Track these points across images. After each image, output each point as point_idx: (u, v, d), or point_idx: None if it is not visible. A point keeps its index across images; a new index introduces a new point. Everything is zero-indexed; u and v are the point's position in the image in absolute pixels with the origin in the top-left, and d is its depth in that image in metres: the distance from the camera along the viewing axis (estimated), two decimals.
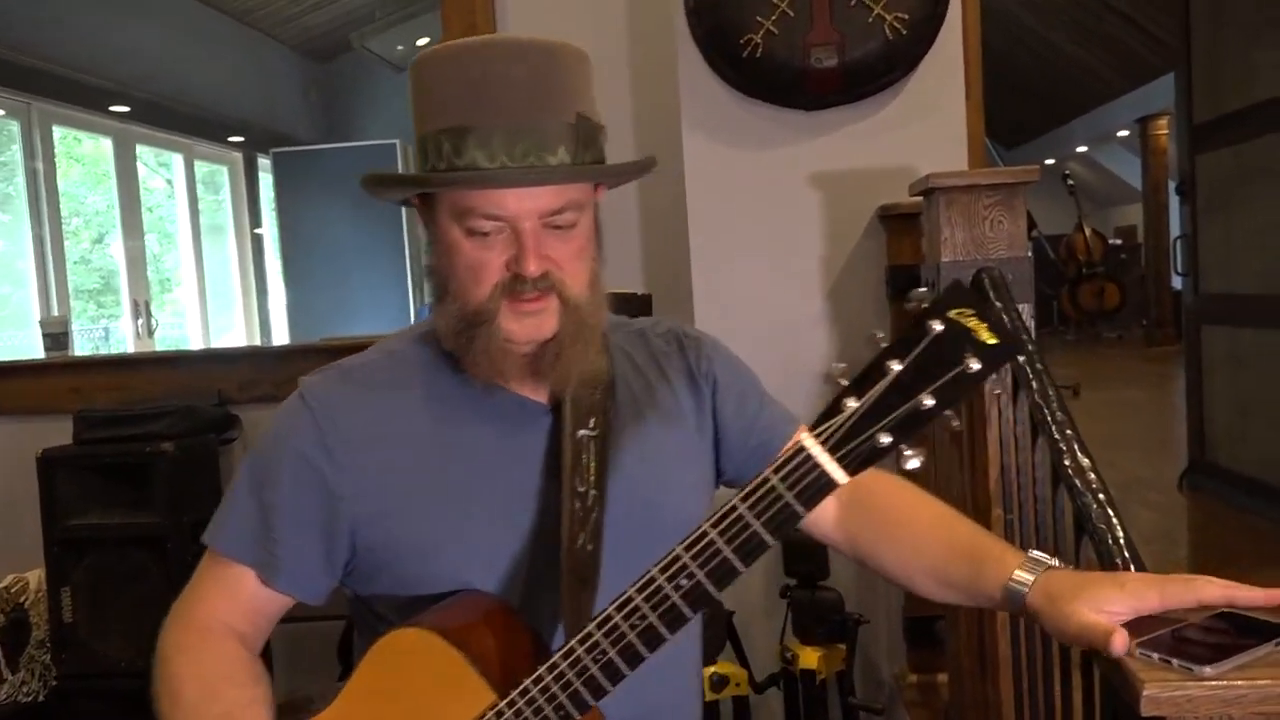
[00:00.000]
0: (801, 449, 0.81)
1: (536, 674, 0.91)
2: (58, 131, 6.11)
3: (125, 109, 6.29)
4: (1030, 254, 1.73)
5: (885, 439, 0.79)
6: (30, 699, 2.60)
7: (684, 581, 0.85)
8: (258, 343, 7.88)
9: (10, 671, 2.62)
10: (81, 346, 6.31)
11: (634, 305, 2.29)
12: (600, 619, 0.88)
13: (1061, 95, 11.67)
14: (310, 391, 1.06)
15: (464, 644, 0.91)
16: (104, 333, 6.86)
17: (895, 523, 1.07)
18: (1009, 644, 1.64)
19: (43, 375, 2.99)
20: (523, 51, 1.00)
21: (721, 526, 0.84)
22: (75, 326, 6.16)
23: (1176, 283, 11.23)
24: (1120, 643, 0.82)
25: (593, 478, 0.99)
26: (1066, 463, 1.22)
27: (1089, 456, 1.23)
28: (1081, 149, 13.44)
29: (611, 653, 0.88)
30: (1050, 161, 13.25)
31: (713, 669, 2.10)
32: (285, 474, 1.04)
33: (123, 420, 2.63)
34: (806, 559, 2.19)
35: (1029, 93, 11.82)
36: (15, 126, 5.81)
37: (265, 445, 1.07)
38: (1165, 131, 10.65)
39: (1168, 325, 10.86)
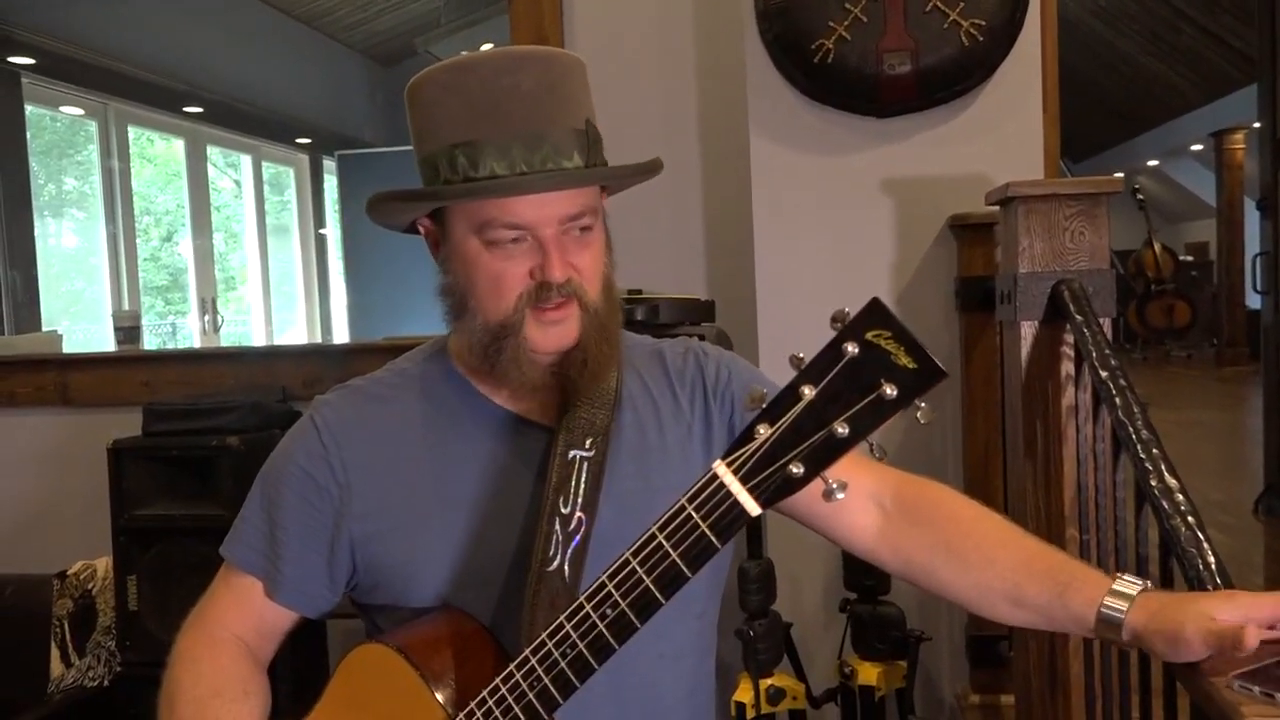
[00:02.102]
0: (714, 477, 0.78)
1: (480, 696, 0.91)
2: (133, 132, 6.28)
3: (198, 110, 6.45)
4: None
5: (798, 469, 0.75)
6: (95, 684, 2.65)
7: (609, 611, 0.84)
8: (319, 341, 8.00)
9: (77, 656, 2.67)
10: (150, 342, 6.46)
11: (698, 310, 2.27)
12: (535, 645, 0.88)
13: (1133, 107, 11.42)
14: (320, 411, 1.08)
15: (423, 662, 0.92)
16: (171, 328, 7.02)
17: (956, 538, 1.02)
18: (1082, 666, 1.58)
19: (114, 368, 3.05)
20: (526, 62, 1.00)
21: (641, 555, 0.82)
22: (146, 322, 6.31)
23: (1251, 301, 10.92)
24: (1253, 636, 0.77)
25: (581, 500, 0.97)
26: (1153, 483, 1.17)
27: (1176, 477, 1.18)
28: (1152, 162, 13.13)
29: (546, 679, 0.87)
30: (1120, 175, 12.93)
31: (770, 681, 2.07)
32: (291, 491, 1.05)
33: (190, 414, 2.67)
34: (867, 572, 2.15)
35: (1099, 104, 11.58)
36: (93, 126, 5.98)
37: (275, 462, 1.08)
38: (1241, 146, 10.35)
39: (1240, 344, 10.55)
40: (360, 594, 1.08)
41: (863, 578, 2.16)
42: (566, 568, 0.95)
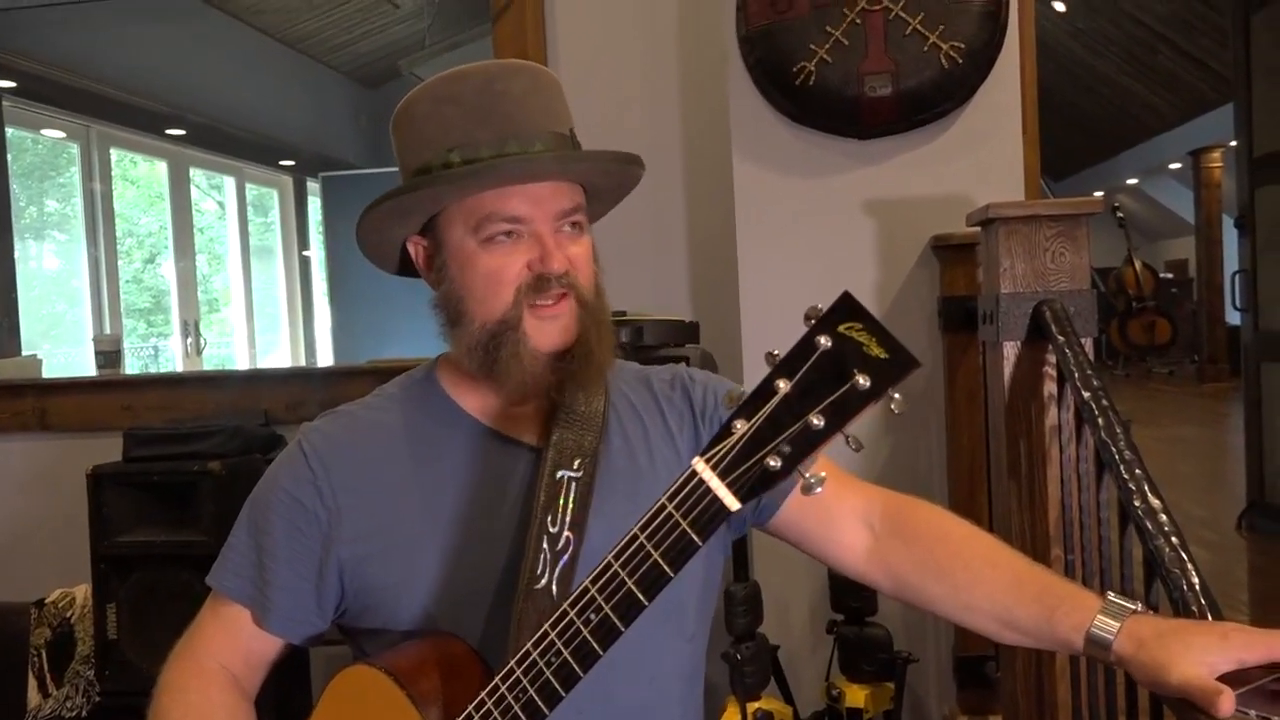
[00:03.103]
0: (694, 473, 0.78)
1: (465, 712, 0.90)
2: (115, 154, 6.26)
3: (181, 132, 6.43)
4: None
5: (774, 463, 0.75)
6: (74, 715, 2.61)
7: (593, 615, 0.83)
8: (302, 363, 7.97)
9: (55, 686, 2.63)
10: (132, 364, 6.42)
11: (682, 332, 2.27)
12: (520, 655, 0.87)
13: (1112, 127, 11.55)
14: (308, 437, 1.07)
15: (410, 683, 0.91)
16: (154, 351, 6.98)
17: (946, 557, 1.01)
18: (1069, 687, 1.58)
19: (94, 392, 3.02)
20: (514, 70, 1.03)
21: (624, 557, 0.82)
22: (126, 345, 6.27)
23: (1230, 318, 11.02)
24: (1228, 705, 0.77)
25: (569, 519, 0.97)
26: (1137, 503, 1.17)
27: (1160, 497, 1.18)
28: (1132, 181, 13.27)
29: (531, 690, 0.86)
30: (1099, 194, 13.09)
31: (757, 705, 2.06)
32: (279, 518, 1.04)
33: (171, 439, 2.64)
34: (854, 594, 2.15)
35: (1078, 124, 11.70)
36: (75, 149, 5.96)
37: (263, 489, 1.08)
38: (1219, 164, 10.48)
39: (1221, 361, 10.64)
40: (349, 619, 1.07)
41: (850, 599, 2.16)
42: (554, 586, 0.94)
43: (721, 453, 0.76)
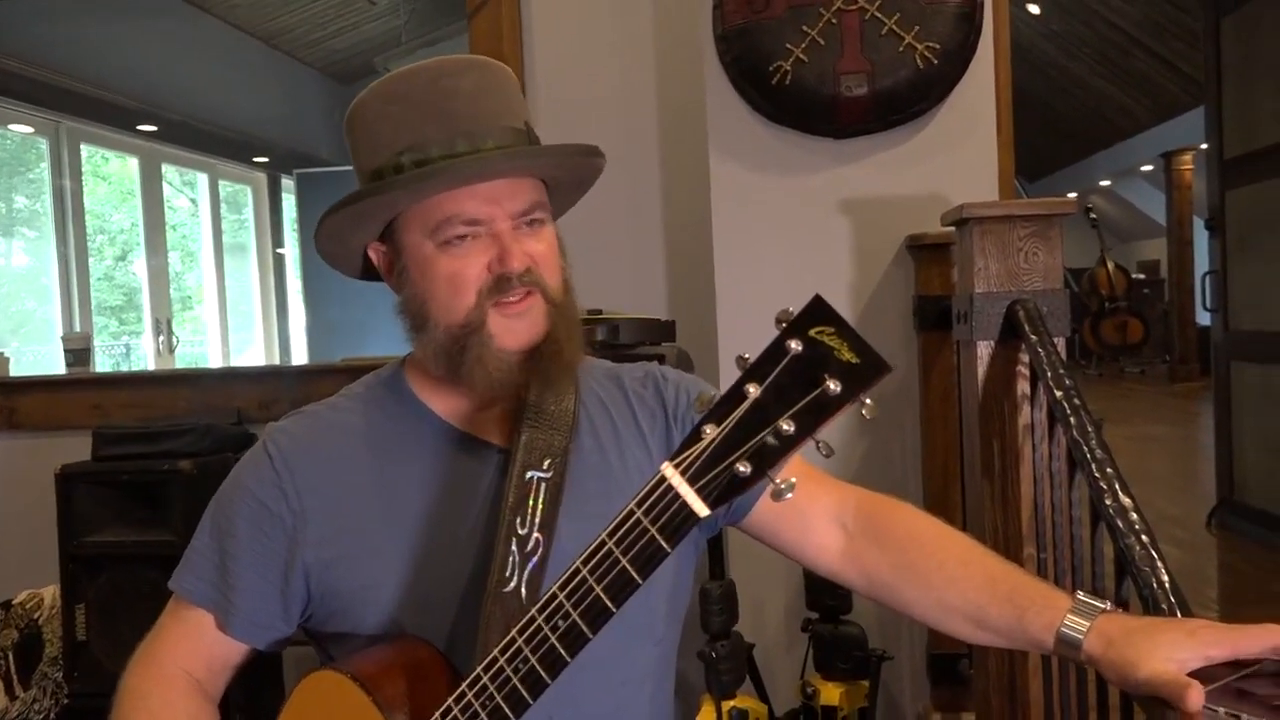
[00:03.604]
0: (663, 479, 0.77)
1: (432, 718, 0.88)
2: (85, 150, 6.18)
3: (152, 128, 6.36)
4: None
5: (744, 468, 0.74)
6: (42, 717, 2.58)
7: (560, 622, 0.82)
8: (277, 361, 7.90)
9: (22, 689, 2.59)
10: (103, 363, 6.35)
11: (658, 330, 2.27)
12: (488, 661, 0.86)
13: (1085, 128, 11.66)
14: (273, 438, 1.05)
15: (376, 688, 0.90)
16: (125, 349, 6.90)
17: (919, 557, 1.01)
18: (1041, 685, 1.59)
19: (63, 391, 2.99)
20: (463, 66, 1.01)
21: (591, 564, 0.80)
22: (97, 343, 6.19)
23: (1201, 318, 11.14)
24: (1196, 698, 0.77)
25: (538, 521, 0.95)
26: (1108, 502, 1.18)
27: (1130, 496, 1.19)
28: (1104, 182, 13.40)
29: (499, 698, 0.85)
30: (1073, 195, 13.21)
31: (732, 703, 2.06)
32: (243, 520, 1.02)
33: (141, 437, 2.61)
34: (829, 592, 2.15)
35: (1051, 125, 11.81)
36: (44, 144, 5.88)
37: (227, 491, 1.05)
38: (1190, 166, 10.60)
39: (1192, 361, 10.76)
40: (315, 623, 1.05)
41: (824, 597, 2.16)
42: (523, 589, 0.93)
43: (691, 458, 0.75)
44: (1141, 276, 13.41)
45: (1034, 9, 8.39)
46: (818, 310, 0.73)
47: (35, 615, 2.65)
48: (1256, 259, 4.33)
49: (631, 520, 0.78)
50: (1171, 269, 11.22)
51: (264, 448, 1.04)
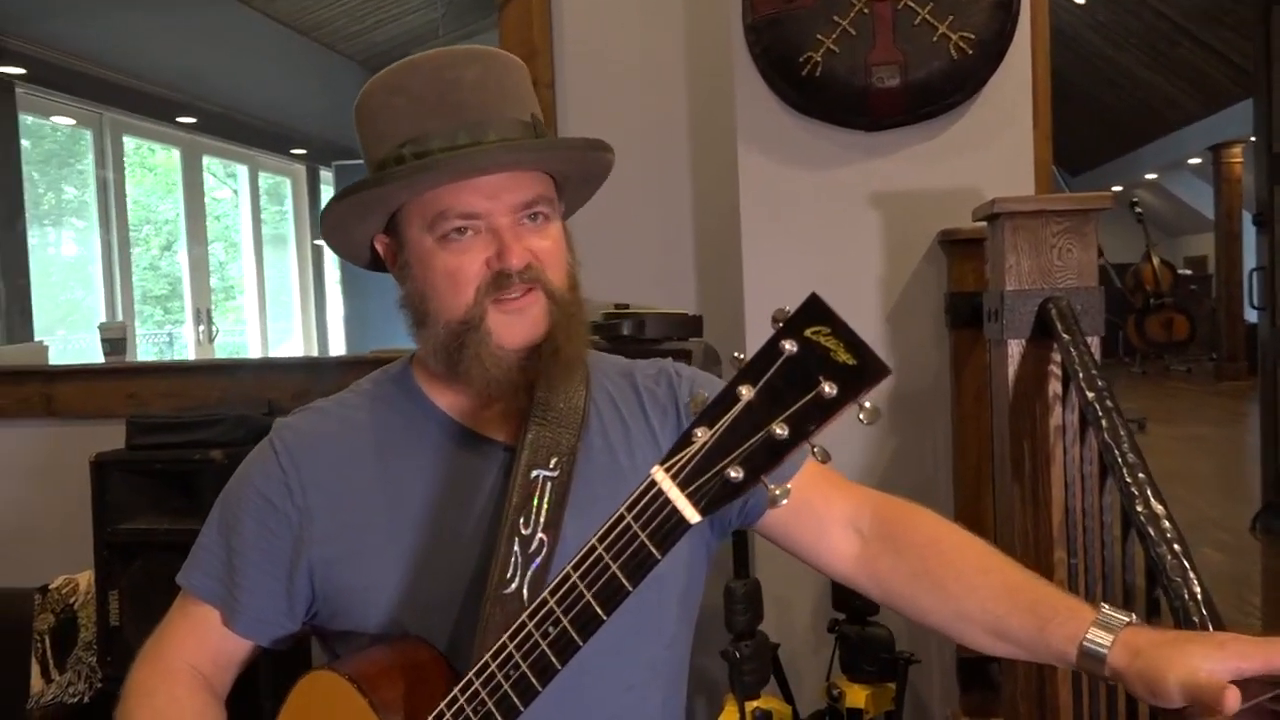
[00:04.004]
0: (653, 483, 0.74)
1: None
2: (130, 142, 6.27)
3: (192, 120, 6.44)
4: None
5: (735, 474, 0.71)
6: (76, 700, 2.62)
7: (551, 629, 0.80)
8: (315, 352, 7.98)
9: (58, 672, 2.64)
10: (146, 351, 6.45)
11: (685, 325, 2.24)
12: (479, 667, 0.84)
13: (1131, 121, 11.42)
14: (279, 433, 1.04)
15: (372, 690, 0.89)
16: (169, 338, 7.01)
17: (936, 564, 0.98)
18: (1070, 693, 1.55)
19: (100, 379, 3.02)
20: (468, 57, 0.98)
21: (582, 569, 0.78)
22: (142, 331, 6.29)
23: (1250, 315, 10.88)
24: (1233, 699, 0.74)
25: (543, 521, 0.93)
26: (1139, 509, 1.14)
27: (1163, 502, 1.15)
28: (1151, 176, 13.13)
29: (490, 704, 0.83)
30: (1118, 188, 12.97)
31: (756, 704, 2.04)
32: (249, 517, 1.01)
33: (174, 427, 2.64)
34: (856, 593, 2.11)
35: (1096, 117, 11.58)
36: (88, 136, 5.97)
37: (233, 486, 1.05)
38: (1239, 159, 10.35)
39: (1239, 359, 10.52)
40: (320, 621, 1.04)
41: (852, 598, 2.13)
42: (525, 591, 0.91)
43: (681, 462, 0.73)
44: (1188, 272, 13.14)
45: None
46: (813, 309, 0.70)
47: (71, 600, 2.69)
48: None
49: (622, 525, 0.76)
50: (1219, 264, 10.98)
51: (270, 444, 1.04)
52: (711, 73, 2.61)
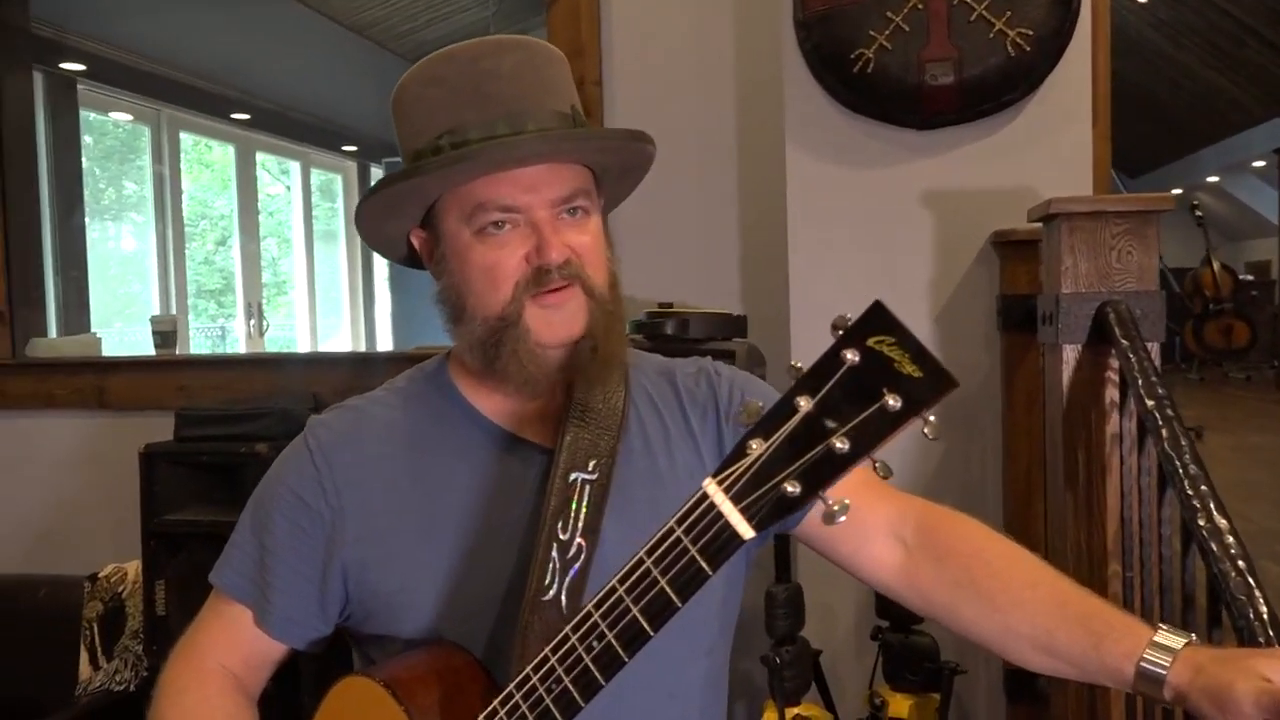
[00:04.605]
0: (705, 496, 0.72)
1: None
2: (188, 138, 6.38)
3: (246, 116, 6.53)
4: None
5: (792, 489, 0.68)
6: (123, 688, 2.66)
7: (595, 644, 0.77)
8: (362, 348, 8.07)
9: (105, 659, 2.68)
10: (199, 344, 6.56)
11: (729, 325, 2.22)
12: (520, 679, 0.82)
13: (1192, 121, 11.14)
14: (314, 431, 1.03)
15: (408, 697, 0.87)
16: (221, 331, 7.12)
17: (982, 576, 0.94)
18: (1123, 712, 1.50)
19: (151, 372, 3.07)
20: (505, 46, 0.97)
21: (629, 583, 0.76)
22: (196, 325, 6.40)
23: None
24: None
25: (581, 525, 0.91)
26: (1201, 523, 1.09)
27: (1226, 516, 1.10)
28: (1212, 179, 12.80)
29: (530, 717, 0.81)
30: (1178, 191, 12.65)
31: (796, 710, 2.00)
32: (282, 516, 1.00)
33: (221, 420, 2.67)
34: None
35: (1156, 118, 11.31)
36: (146, 132, 6.09)
37: (266, 485, 1.03)
38: None
39: None
40: (353, 624, 1.03)
41: (895, 605, 2.07)
42: (564, 598, 0.89)
43: (735, 475, 0.70)
44: (1250, 278, 12.77)
45: None
46: (877, 317, 0.67)
47: (120, 589, 2.73)
48: None
49: (671, 539, 0.74)
50: None
51: (304, 442, 1.02)
52: (759, 69, 2.58)
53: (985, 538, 0.98)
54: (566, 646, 0.79)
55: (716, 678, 1.06)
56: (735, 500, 0.71)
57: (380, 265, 8.33)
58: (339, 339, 8.15)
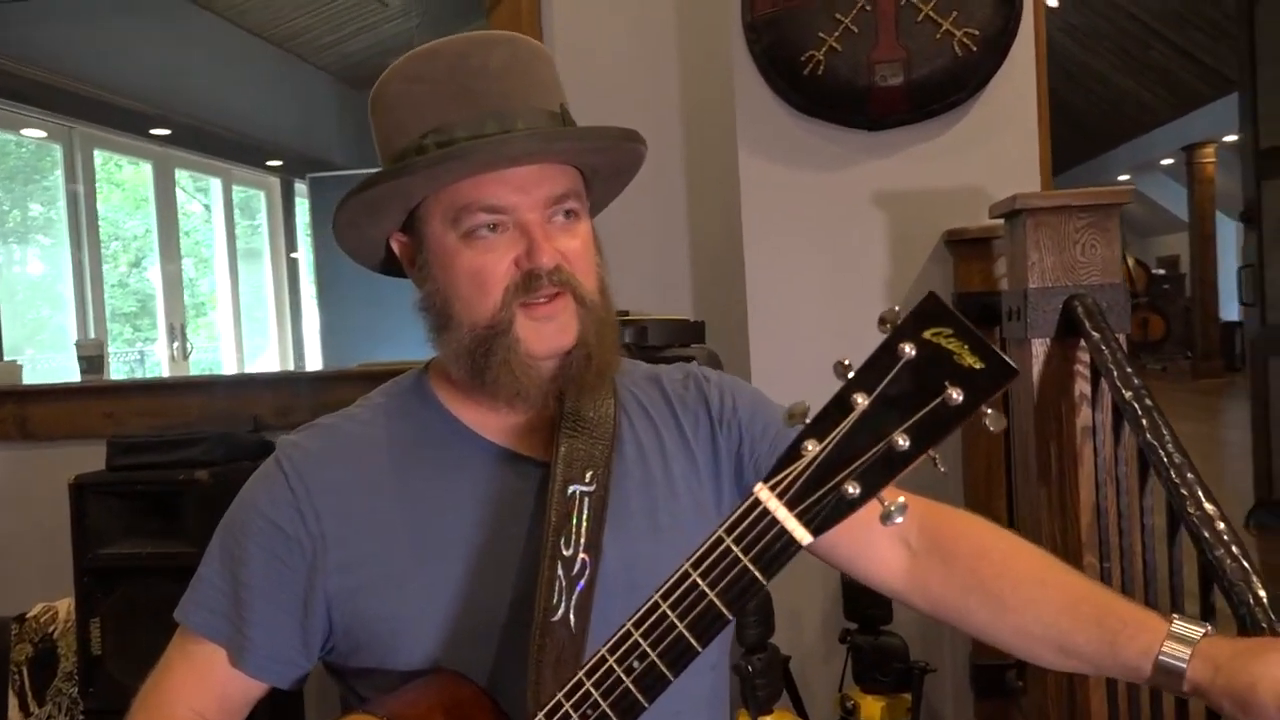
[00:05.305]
0: (756, 503, 0.69)
1: None
2: (99, 156, 6.15)
3: (166, 132, 6.33)
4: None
5: (853, 489, 0.67)
6: None
7: (635, 664, 0.73)
8: (291, 367, 7.87)
9: (37, 705, 2.54)
10: (117, 370, 6.32)
11: (687, 332, 2.19)
12: (550, 708, 0.77)
13: (1103, 123, 11.53)
14: (287, 453, 0.95)
15: None
16: (139, 356, 6.88)
17: (991, 576, 0.92)
18: (1104, 700, 1.51)
19: (76, 399, 2.93)
20: (493, 42, 0.92)
21: (673, 598, 0.72)
22: (111, 350, 6.16)
23: (1225, 313, 10.99)
24: None
25: (583, 541, 0.87)
26: (1191, 510, 1.09)
27: (1214, 503, 1.11)
28: (1124, 177, 13.25)
29: None
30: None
31: (768, 718, 1.98)
32: (257, 546, 0.93)
33: (156, 446, 2.56)
34: (869, 602, 2.07)
35: (1069, 120, 11.66)
36: (58, 150, 5.85)
37: (237, 513, 0.96)
38: (1212, 160, 10.46)
39: (1214, 357, 10.62)
40: (337, 657, 0.96)
41: (864, 608, 2.08)
42: (572, 617, 0.84)
43: (790, 478, 0.67)
44: (1162, 272, 13.27)
45: (1052, 2, 8.27)
46: (933, 310, 0.65)
47: (50, 629, 2.59)
48: None
49: (720, 549, 0.70)
50: (1194, 264, 11.09)
51: (277, 464, 0.95)
52: (708, 72, 2.57)
53: (989, 534, 0.96)
54: (604, 669, 0.74)
55: (720, 691, 1.03)
56: (791, 505, 0.68)
57: (307, 283, 8.15)
58: (266, 358, 7.93)
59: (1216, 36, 7.80)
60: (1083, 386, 1.51)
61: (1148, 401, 1.26)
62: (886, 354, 0.65)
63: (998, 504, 2.09)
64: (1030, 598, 0.90)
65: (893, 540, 0.97)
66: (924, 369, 0.64)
